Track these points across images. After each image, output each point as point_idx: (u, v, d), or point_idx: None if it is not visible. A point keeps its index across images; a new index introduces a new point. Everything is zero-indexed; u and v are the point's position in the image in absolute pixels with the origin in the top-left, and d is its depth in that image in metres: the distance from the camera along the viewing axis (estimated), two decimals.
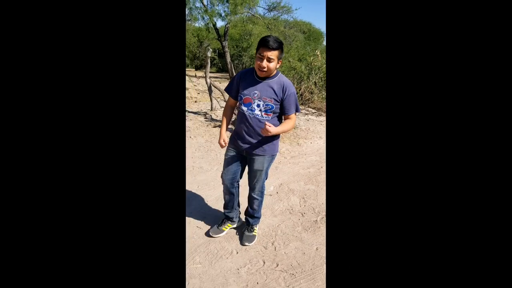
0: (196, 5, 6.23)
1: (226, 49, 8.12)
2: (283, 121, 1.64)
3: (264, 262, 1.66)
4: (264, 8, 10.07)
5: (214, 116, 5.11)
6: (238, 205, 1.93)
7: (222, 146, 1.74)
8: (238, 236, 1.89)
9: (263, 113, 1.56)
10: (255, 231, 1.89)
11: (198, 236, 1.88)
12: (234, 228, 1.95)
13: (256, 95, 1.55)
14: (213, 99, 5.46)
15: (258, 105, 1.55)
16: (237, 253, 1.74)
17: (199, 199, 2.36)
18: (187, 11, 6.88)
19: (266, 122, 1.48)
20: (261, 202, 1.85)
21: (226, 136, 1.74)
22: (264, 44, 1.43)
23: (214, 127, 4.50)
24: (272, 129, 1.47)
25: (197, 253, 1.71)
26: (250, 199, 1.84)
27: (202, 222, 2.02)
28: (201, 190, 2.49)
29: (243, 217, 1.98)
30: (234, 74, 10.80)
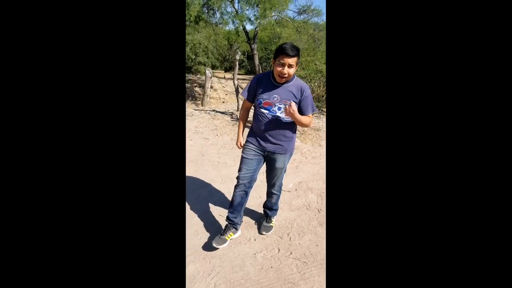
0: (228, 10, 6.54)
1: (255, 52, 8.30)
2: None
3: (279, 250, 1.80)
4: (294, 12, 10.20)
5: (239, 117, 5.32)
6: (242, 214, 1.88)
7: (240, 147, 1.88)
8: (256, 226, 2.04)
9: (284, 114, 1.64)
10: (272, 222, 2.02)
11: (220, 222, 2.06)
12: (234, 238, 1.86)
13: (276, 98, 1.63)
14: (239, 99, 5.68)
15: (279, 108, 1.64)
16: (255, 240, 1.89)
17: (222, 191, 2.55)
18: (218, 16, 7.22)
19: (292, 103, 1.57)
20: (279, 196, 1.99)
21: (243, 138, 1.88)
22: (283, 51, 1.50)
23: None
24: (295, 112, 1.55)
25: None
26: (269, 194, 1.95)
27: (225, 211, 2.20)
28: (224, 183, 2.68)
29: (261, 210, 2.12)
30: None
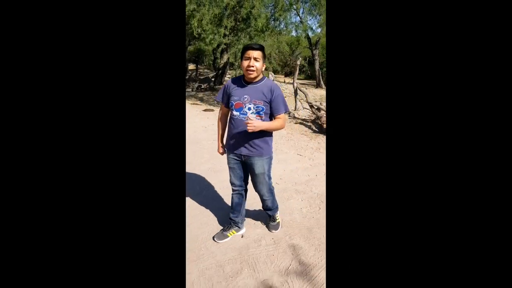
0: (292, 20, 7.24)
1: (316, 57, 8.73)
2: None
3: (319, 208, 2.36)
4: None
5: (296, 115, 5.93)
6: (243, 213, 1.97)
7: (222, 154, 1.89)
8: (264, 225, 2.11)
9: (255, 115, 1.62)
10: (277, 219, 2.05)
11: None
12: (238, 234, 1.97)
13: (246, 99, 1.61)
14: (297, 100, 6.28)
15: (250, 108, 1.61)
16: (302, 200, 2.49)
17: (278, 168, 3.21)
18: (282, 25, 7.96)
19: (248, 118, 1.57)
20: (273, 199, 1.94)
21: (222, 144, 1.91)
22: (247, 47, 1.58)
23: (296, 123, 5.32)
24: (256, 123, 1.51)
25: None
26: (262, 202, 1.94)
27: (281, 180, 2.86)
28: (280, 163, 3.35)
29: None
30: (322, 81, 11.07)
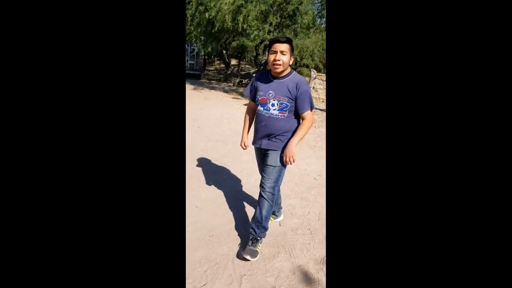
0: None
1: None
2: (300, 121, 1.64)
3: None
4: None
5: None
6: (278, 202, 2.00)
7: (243, 148, 1.83)
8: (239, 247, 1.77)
9: (278, 112, 1.58)
10: (258, 247, 1.68)
11: (310, 183, 2.75)
12: (277, 221, 2.07)
13: (271, 94, 1.58)
14: None
15: (273, 105, 1.58)
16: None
17: (316, 163, 3.23)
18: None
19: (284, 155, 1.58)
20: (270, 207, 1.68)
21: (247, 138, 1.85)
22: (274, 40, 1.52)
23: None
24: (290, 148, 1.55)
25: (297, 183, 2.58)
26: (260, 200, 1.69)
27: (318, 176, 2.88)
28: (318, 159, 3.36)
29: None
30: None
